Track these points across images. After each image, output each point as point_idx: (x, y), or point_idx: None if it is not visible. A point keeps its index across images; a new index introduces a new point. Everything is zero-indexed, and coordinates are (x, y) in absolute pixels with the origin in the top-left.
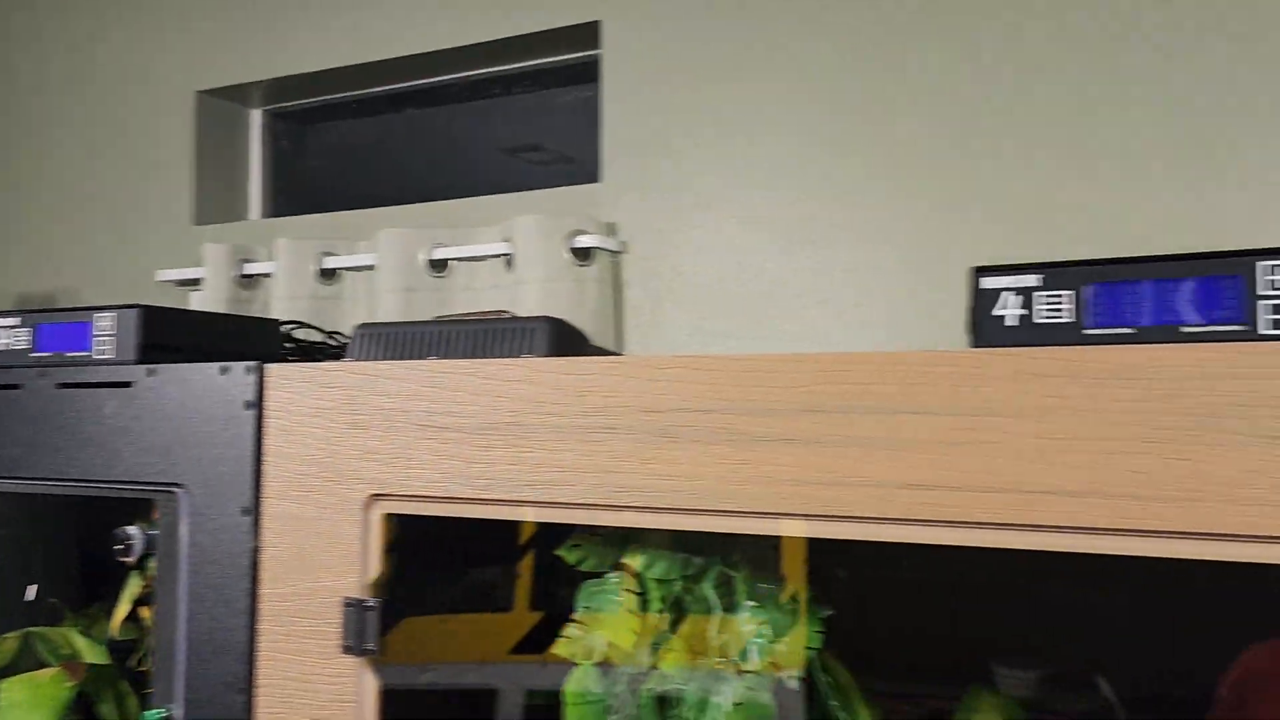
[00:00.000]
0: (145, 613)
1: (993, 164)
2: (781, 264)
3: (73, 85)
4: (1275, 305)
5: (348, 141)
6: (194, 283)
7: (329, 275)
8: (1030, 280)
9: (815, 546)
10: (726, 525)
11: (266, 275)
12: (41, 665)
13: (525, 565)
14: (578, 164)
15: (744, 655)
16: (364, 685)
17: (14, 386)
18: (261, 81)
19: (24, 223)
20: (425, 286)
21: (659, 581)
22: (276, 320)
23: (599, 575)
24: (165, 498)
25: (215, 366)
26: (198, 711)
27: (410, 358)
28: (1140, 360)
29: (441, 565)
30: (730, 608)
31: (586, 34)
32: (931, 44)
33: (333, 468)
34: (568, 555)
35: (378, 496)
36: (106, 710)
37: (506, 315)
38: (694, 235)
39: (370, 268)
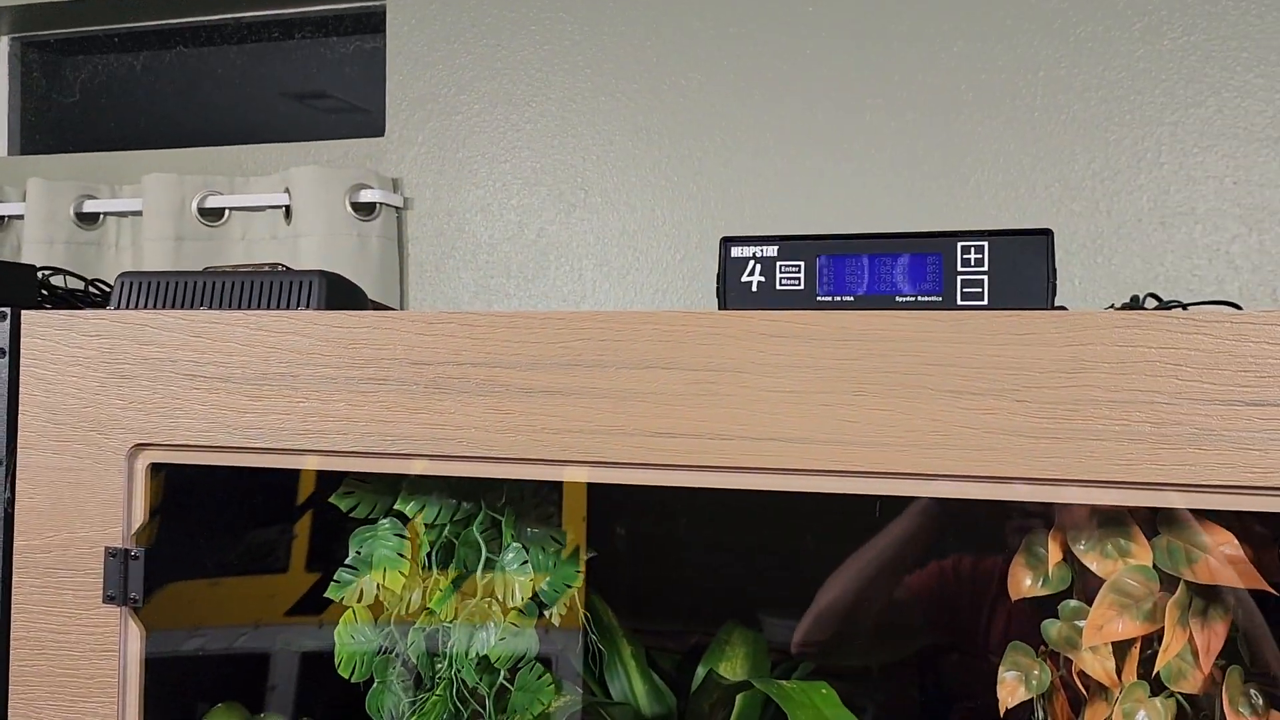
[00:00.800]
0: None
1: (753, 139)
2: (561, 226)
3: None
4: (967, 280)
5: (110, 78)
6: None
7: (89, 220)
8: (770, 251)
9: (583, 493)
10: (492, 471)
11: (17, 217)
12: None
13: (302, 525)
14: (370, 115)
15: (509, 595)
16: (127, 633)
17: None
18: (9, 6)
19: None
20: (197, 236)
21: (429, 526)
22: (31, 266)
23: (371, 521)
24: None
25: None
26: None
27: (178, 308)
28: (856, 324)
29: (211, 528)
30: (497, 550)
31: None
32: (704, 21)
33: (93, 418)
34: (340, 502)
35: (142, 446)
36: None
37: (281, 268)
38: (478, 194)
39: (136, 213)
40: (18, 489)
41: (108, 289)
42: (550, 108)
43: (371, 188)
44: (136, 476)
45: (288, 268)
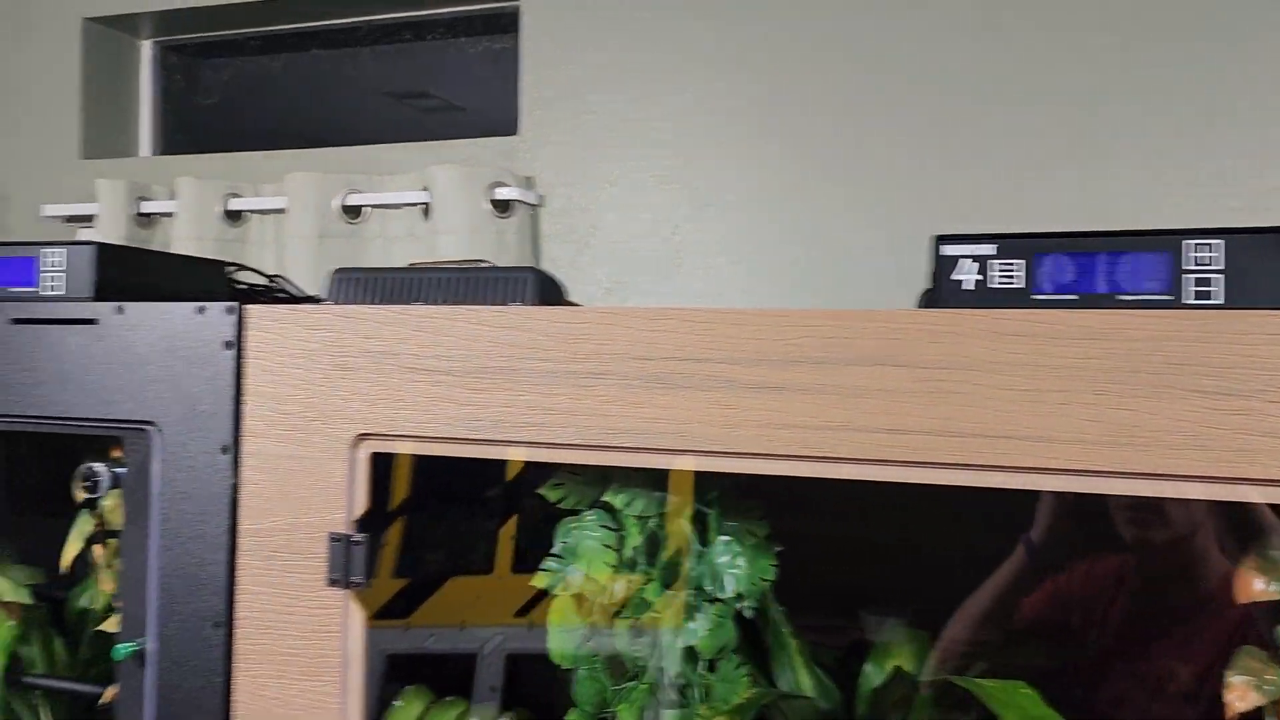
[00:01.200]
0: (98, 551)
1: (884, 139)
2: (696, 224)
3: None
4: (1199, 279)
5: (244, 80)
6: (84, 219)
7: (234, 217)
8: (987, 249)
9: (690, 487)
10: (718, 465)
11: (165, 215)
12: None
13: (506, 530)
14: (466, 114)
15: (719, 585)
16: (350, 616)
17: None
18: (152, 12)
19: None
20: (339, 233)
21: (637, 518)
22: (221, 262)
23: (577, 513)
24: (135, 435)
25: (191, 306)
26: (172, 645)
27: (390, 303)
28: (1091, 323)
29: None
30: (705, 543)
31: None
32: (837, 21)
33: (317, 408)
34: (549, 493)
35: (365, 436)
36: (31, 651)
37: (486, 264)
38: (611, 192)
39: (278, 211)
40: (243, 475)
41: (286, 283)
42: (685, 106)
43: (508, 185)
44: (359, 465)
45: (493, 264)
